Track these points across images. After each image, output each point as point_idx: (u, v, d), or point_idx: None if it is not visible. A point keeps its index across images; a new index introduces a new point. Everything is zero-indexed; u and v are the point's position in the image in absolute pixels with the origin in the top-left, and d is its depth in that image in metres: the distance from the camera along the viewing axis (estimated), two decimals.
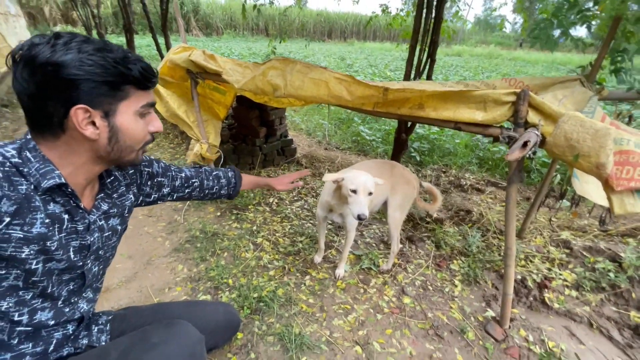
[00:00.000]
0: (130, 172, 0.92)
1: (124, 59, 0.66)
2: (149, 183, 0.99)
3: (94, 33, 6.89)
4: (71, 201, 0.73)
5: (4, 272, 0.66)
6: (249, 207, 2.45)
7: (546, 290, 1.75)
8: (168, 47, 4.92)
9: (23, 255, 0.65)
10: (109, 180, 0.85)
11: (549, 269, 1.87)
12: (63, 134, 0.66)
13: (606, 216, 2.09)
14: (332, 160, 3.37)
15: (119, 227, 0.89)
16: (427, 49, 2.07)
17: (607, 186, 0.97)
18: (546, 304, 1.69)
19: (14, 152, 0.65)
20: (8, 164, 0.63)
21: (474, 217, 2.40)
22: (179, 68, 2.12)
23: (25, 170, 0.65)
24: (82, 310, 0.83)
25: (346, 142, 4.12)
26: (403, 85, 1.33)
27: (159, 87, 2.33)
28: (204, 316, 1.02)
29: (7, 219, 0.61)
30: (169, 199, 1.07)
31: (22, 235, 0.64)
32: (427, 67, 2.11)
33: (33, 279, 0.69)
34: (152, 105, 0.76)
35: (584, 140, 0.98)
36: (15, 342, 0.72)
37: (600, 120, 1.20)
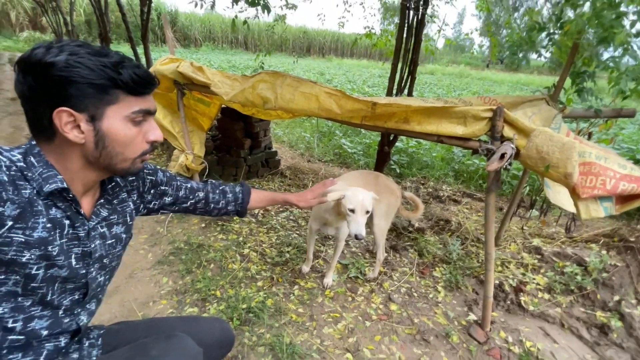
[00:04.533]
0: (131, 179, 0.90)
1: (116, 63, 0.65)
2: (151, 191, 0.97)
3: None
4: (72, 206, 0.72)
5: (2, 277, 0.65)
6: (234, 218, 2.44)
7: (522, 293, 1.86)
8: (147, 57, 4.86)
9: (24, 260, 0.65)
10: (109, 186, 0.83)
11: (523, 274, 1.99)
12: (55, 138, 0.66)
13: (571, 224, 2.26)
14: (316, 172, 3.43)
15: (124, 236, 0.87)
16: (408, 67, 2.20)
17: (574, 194, 1.08)
18: (522, 307, 1.80)
19: (19, 156, 0.65)
20: (14, 167, 0.64)
21: (453, 226, 2.52)
22: (165, 79, 2.12)
23: (29, 174, 0.65)
24: (81, 322, 0.80)
25: (328, 154, 4.20)
26: (389, 101, 1.42)
27: None
28: (199, 332, 0.99)
29: (10, 223, 0.62)
30: (172, 208, 1.04)
31: (23, 239, 0.64)
32: (408, 84, 2.24)
33: (32, 284, 0.67)
34: (147, 112, 0.72)
35: (553, 153, 1.09)
36: (5, 352, 0.70)
37: (565, 135, 1.33)
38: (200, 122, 2.70)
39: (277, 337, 1.48)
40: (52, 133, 0.65)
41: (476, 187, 3.54)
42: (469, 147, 1.37)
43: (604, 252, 1.99)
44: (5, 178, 0.61)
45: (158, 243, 2.12)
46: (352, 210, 1.39)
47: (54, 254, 0.68)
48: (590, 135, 1.97)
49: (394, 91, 2.23)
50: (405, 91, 2.28)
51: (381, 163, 2.51)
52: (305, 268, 1.95)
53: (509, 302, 1.83)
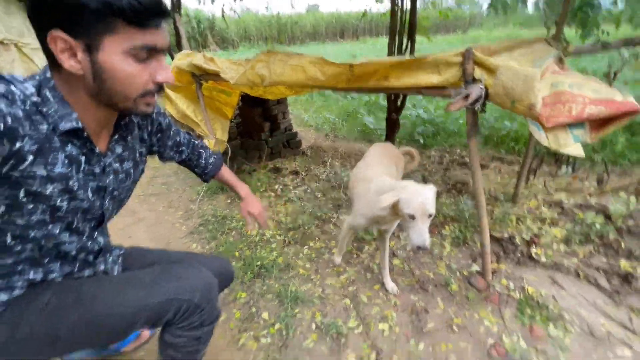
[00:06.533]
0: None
1: None
2: (158, 135, 0.98)
3: None
4: (87, 144, 0.73)
5: (31, 206, 0.68)
6: (256, 193, 2.67)
7: (534, 246, 1.81)
8: None
9: (47, 193, 0.68)
10: (123, 122, 0.83)
11: (540, 228, 1.92)
12: (62, 67, 0.63)
13: (603, 175, 2.10)
14: (336, 149, 3.53)
15: (132, 171, 0.89)
16: (407, 30, 2.19)
17: (541, 124, 1.07)
18: (533, 259, 1.75)
19: (33, 89, 0.64)
20: (29, 102, 0.63)
21: (470, 188, 2.47)
22: (184, 73, 2.38)
23: (45, 110, 0.65)
24: (100, 243, 0.90)
25: (353, 132, 4.26)
26: (365, 60, 1.48)
27: (168, 91, 2.61)
28: (204, 262, 1.07)
29: (31, 157, 0.63)
30: (158, 157, 1.08)
31: (45, 174, 0.66)
32: (409, 48, 2.23)
33: (58, 214, 0.72)
34: (152, 49, 0.65)
35: (517, 86, 1.08)
36: (46, 260, 0.80)
37: (545, 68, 1.28)
38: (224, 111, 2.96)
39: (284, 286, 1.66)
40: (57, 61, 0.63)
41: (507, 150, 3.35)
42: (447, 94, 1.38)
43: (632, 198, 1.83)
44: (21, 113, 0.60)
45: (190, 217, 2.43)
46: (412, 217, 1.15)
47: (75, 188, 0.72)
48: (615, 75, 1.82)
49: (395, 53, 2.25)
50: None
51: (391, 131, 2.54)
52: (337, 259, 1.80)
53: (519, 254, 1.79)
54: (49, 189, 0.68)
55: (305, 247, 1.99)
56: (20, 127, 0.60)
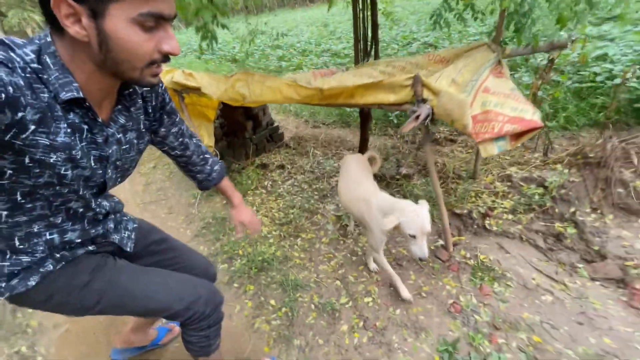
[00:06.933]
0: (147, 88, 0.89)
1: None
2: (161, 113, 0.96)
3: None
4: (89, 113, 0.72)
5: (38, 170, 0.68)
6: (248, 192, 2.93)
7: (488, 218, 2.18)
8: None
9: (51, 161, 0.68)
10: (126, 92, 0.83)
11: (493, 201, 2.29)
12: (65, 33, 0.63)
13: (547, 147, 2.46)
14: (317, 137, 3.77)
15: (135, 141, 0.89)
16: (369, 25, 2.36)
17: (473, 138, 1.36)
18: (487, 229, 2.13)
19: (33, 55, 0.63)
20: (28, 69, 0.61)
21: (438, 167, 2.79)
22: (167, 88, 2.53)
23: (45, 77, 0.63)
24: (106, 207, 0.92)
25: (331, 116, 4.47)
26: (332, 85, 1.72)
27: None
28: (192, 258, 1.24)
29: (33, 127, 0.62)
30: (160, 146, 1.04)
31: (48, 143, 0.66)
32: (374, 48, 2.43)
33: (64, 181, 0.73)
34: (160, 16, 0.64)
35: (454, 110, 1.36)
36: (58, 220, 0.82)
37: (483, 80, 1.55)
38: (206, 114, 3.11)
39: (285, 276, 1.99)
40: (60, 26, 0.61)
41: None
42: (403, 109, 1.65)
43: (566, 170, 2.20)
44: (22, 82, 0.59)
45: (192, 221, 2.69)
46: (413, 236, 1.38)
47: (78, 157, 0.72)
48: (553, 62, 2.10)
49: (361, 57, 2.44)
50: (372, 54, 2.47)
51: (365, 122, 2.78)
52: (407, 294, 1.73)
53: (475, 226, 2.16)
54: (53, 158, 0.68)
55: (299, 239, 2.31)
56: (22, 97, 0.59)
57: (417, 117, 1.45)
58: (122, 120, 0.82)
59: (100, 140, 0.77)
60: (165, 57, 0.70)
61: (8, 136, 0.60)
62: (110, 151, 0.80)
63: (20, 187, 0.70)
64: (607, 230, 1.91)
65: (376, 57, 2.45)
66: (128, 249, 1.05)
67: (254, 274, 2.05)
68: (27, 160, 0.65)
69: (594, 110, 3.10)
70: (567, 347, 1.42)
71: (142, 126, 0.90)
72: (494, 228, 2.11)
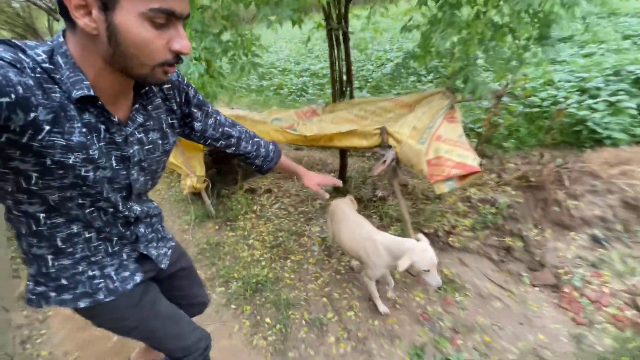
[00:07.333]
0: (168, 86, 0.87)
1: None
2: (190, 107, 0.95)
3: None
4: (104, 112, 0.71)
5: (61, 172, 0.68)
6: (239, 217, 3.18)
7: (451, 235, 2.53)
8: None
9: (70, 162, 0.67)
10: (143, 91, 0.81)
11: (456, 220, 2.65)
12: (76, 27, 0.63)
13: (501, 172, 2.85)
14: (300, 160, 4.07)
15: (159, 142, 0.87)
16: (346, 74, 2.71)
17: (429, 180, 1.70)
18: (450, 245, 2.48)
19: (44, 56, 0.63)
20: (39, 69, 0.61)
21: (409, 189, 3.15)
22: None
23: (57, 76, 0.63)
24: (136, 211, 0.90)
25: None
26: (318, 129, 2.02)
27: None
28: (198, 292, 1.37)
29: (47, 127, 0.62)
30: (202, 141, 1.04)
31: (64, 143, 0.65)
32: (349, 89, 2.77)
33: (87, 183, 0.73)
34: (171, 13, 0.63)
35: (412, 157, 1.69)
36: (92, 219, 0.82)
37: (437, 127, 1.90)
38: (196, 145, 3.35)
39: (277, 296, 2.25)
40: (72, 20, 0.61)
41: None
42: (374, 151, 1.97)
43: (513, 192, 2.59)
44: (31, 82, 0.59)
45: (187, 247, 2.90)
46: (427, 270, 1.56)
47: (96, 157, 0.71)
48: (499, 99, 2.50)
49: (337, 95, 2.78)
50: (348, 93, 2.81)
51: (344, 151, 3.10)
52: (382, 307, 2.00)
53: (441, 243, 2.51)
54: (71, 159, 0.68)
55: (288, 260, 2.58)
56: (33, 97, 0.58)
57: (384, 162, 1.77)
58: (140, 119, 0.81)
59: (119, 140, 0.76)
60: (177, 57, 0.70)
61: (25, 138, 0.60)
62: (131, 151, 0.80)
63: (50, 192, 0.71)
64: (546, 242, 2.30)
65: (351, 97, 2.79)
66: (163, 266, 1.05)
67: (250, 295, 2.29)
68: (48, 162, 0.66)
69: (541, 132, 3.58)
70: (510, 343, 1.76)
71: (164, 126, 0.89)
72: (456, 244, 2.46)
